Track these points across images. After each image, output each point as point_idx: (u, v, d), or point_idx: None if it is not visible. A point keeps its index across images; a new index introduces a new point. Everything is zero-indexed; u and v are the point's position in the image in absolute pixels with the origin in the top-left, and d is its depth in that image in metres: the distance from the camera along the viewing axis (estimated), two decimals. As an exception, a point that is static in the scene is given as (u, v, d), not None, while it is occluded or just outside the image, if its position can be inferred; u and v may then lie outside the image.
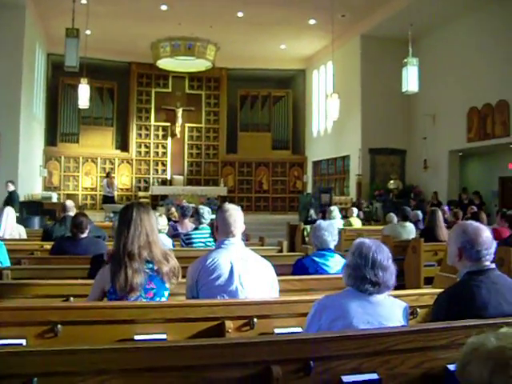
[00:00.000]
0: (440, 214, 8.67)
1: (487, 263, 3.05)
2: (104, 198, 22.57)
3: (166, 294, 3.63)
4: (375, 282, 2.81)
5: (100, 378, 2.22)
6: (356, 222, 12.46)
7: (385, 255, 2.90)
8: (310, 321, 2.92)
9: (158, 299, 3.54)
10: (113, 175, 23.79)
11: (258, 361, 2.38)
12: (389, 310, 2.88)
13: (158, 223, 6.85)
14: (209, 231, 7.07)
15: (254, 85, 26.94)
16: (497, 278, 3.03)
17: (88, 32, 17.93)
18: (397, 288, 5.50)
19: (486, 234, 3.07)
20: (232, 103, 26.99)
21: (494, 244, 3.12)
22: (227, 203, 4.14)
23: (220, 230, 3.88)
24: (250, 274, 3.70)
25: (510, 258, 6.14)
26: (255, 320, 3.40)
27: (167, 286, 3.62)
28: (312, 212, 14.74)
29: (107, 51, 22.89)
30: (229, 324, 3.33)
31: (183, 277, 3.88)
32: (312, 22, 20.28)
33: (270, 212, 25.71)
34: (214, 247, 4.04)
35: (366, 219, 17.23)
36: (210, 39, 22.40)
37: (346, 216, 12.98)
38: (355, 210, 13.22)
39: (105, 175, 23.52)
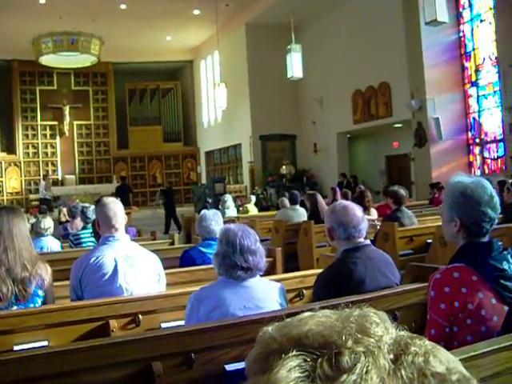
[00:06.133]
0: (319, 196, 8.84)
1: (361, 240, 3.13)
2: None
3: (40, 300, 3.44)
4: (246, 267, 2.81)
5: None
6: (252, 210, 12.56)
7: (252, 239, 2.90)
8: (188, 315, 2.89)
9: (31, 305, 3.38)
10: None
11: (138, 359, 2.32)
12: (264, 292, 2.90)
13: (41, 225, 6.64)
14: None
15: (142, 78, 26.57)
16: (372, 253, 3.12)
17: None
18: (292, 270, 5.59)
19: (352, 211, 3.13)
20: (120, 98, 26.51)
21: (365, 220, 3.19)
22: (105, 197, 3.99)
23: (102, 226, 3.73)
24: (136, 270, 3.61)
25: (395, 233, 6.38)
26: (140, 316, 3.33)
27: (39, 292, 3.45)
28: (210, 202, 14.77)
29: (-16, 49, 21.73)
30: (113, 323, 3.23)
31: (68, 279, 3.75)
32: (196, 12, 20.19)
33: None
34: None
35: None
36: (93, 33, 21.81)
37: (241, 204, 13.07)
38: (253, 198, 13.33)
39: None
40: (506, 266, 2.16)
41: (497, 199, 2.28)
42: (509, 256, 2.21)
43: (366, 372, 0.66)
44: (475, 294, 2.07)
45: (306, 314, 0.77)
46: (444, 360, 0.70)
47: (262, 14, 19.89)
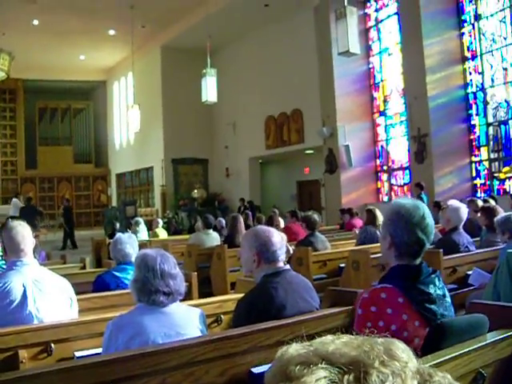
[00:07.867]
0: (241, 219, 8.83)
1: (281, 264, 3.13)
2: None
3: None
4: (168, 292, 2.78)
5: None
6: (161, 233, 12.40)
7: (171, 263, 2.88)
8: (106, 343, 2.77)
9: None
10: None
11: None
12: (184, 318, 2.85)
13: None
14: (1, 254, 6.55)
15: (53, 97, 25.98)
16: (292, 278, 3.12)
17: None
18: (205, 295, 5.53)
19: (276, 234, 3.16)
20: (30, 116, 25.75)
21: (284, 244, 3.22)
22: (11, 220, 3.82)
23: (9, 251, 3.55)
24: (46, 296, 3.45)
25: (309, 257, 6.47)
26: (52, 345, 3.17)
27: None
28: (118, 225, 14.46)
29: None
30: (23, 353, 3.05)
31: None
32: (112, 32, 19.98)
33: (75, 228, 24.71)
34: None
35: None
36: (2, 48, 20.97)
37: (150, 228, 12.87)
38: (160, 221, 13.17)
39: None
40: (431, 289, 2.23)
41: (429, 223, 2.31)
42: (436, 279, 2.28)
43: None
44: (400, 315, 2.13)
45: (330, 337, 0.79)
46: None
47: (178, 37, 19.92)
